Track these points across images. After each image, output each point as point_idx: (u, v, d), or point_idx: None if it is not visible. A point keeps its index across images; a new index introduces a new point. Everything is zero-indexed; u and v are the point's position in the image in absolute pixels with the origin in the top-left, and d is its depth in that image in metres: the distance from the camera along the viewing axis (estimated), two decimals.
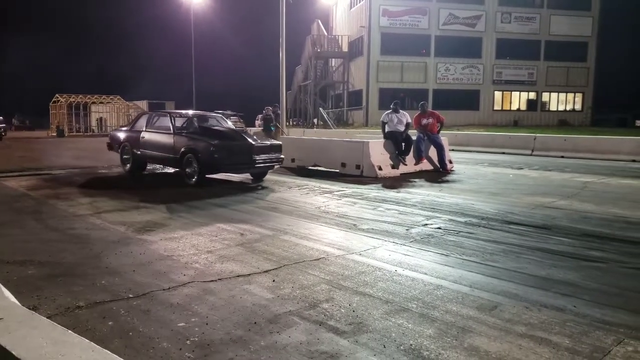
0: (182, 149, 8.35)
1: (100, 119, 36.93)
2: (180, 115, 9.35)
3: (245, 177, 9.38)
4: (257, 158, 8.31)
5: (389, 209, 6.37)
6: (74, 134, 32.96)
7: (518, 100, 38.05)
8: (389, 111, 10.66)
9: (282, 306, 3.06)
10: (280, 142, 9.09)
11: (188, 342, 2.57)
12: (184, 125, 9.01)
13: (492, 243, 4.64)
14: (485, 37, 36.15)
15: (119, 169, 11.09)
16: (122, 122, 33.78)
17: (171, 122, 8.96)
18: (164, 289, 3.35)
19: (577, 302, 3.16)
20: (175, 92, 40.16)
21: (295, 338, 2.63)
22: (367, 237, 4.89)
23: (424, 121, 10.88)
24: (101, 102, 35.05)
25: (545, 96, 38.36)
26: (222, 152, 7.94)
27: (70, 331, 1.86)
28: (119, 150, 10.29)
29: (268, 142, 8.95)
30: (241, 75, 60.13)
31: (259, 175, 9.12)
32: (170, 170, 10.33)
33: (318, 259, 4.08)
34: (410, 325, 2.81)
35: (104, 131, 35.27)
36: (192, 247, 4.45)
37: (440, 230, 5.16)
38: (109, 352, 1.70)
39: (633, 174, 10.32)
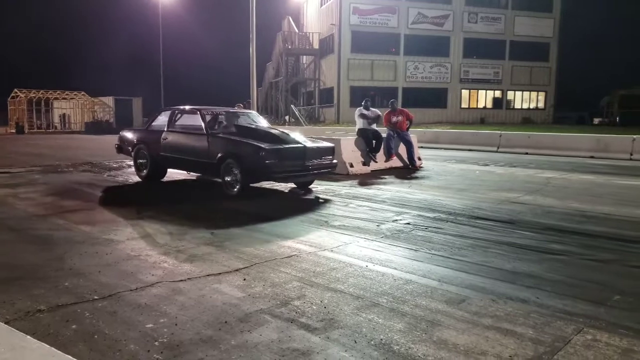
0: (220, 154, 7.02)
1: (64, 115, 35.73)
2: (212, 113, 8.06)
3: (287, 185, 8.05)
4: (310, 164, 7.07)
5: (360, 206, 6.42)
6: (35, 130, 31.80)
7: (484, 98, 38.97)
8: (360, 108, 10.78)
9: (253, 305, 3.04)
10: (333, 145, 7.84)
11: (157, 343, 2.52)
12: (219, 124, 7.81)
13: (460, 238, 4.74)
14: (452, 36, 36.82)
15: (85, 167, 10.78)
16: (87, 118, 32.82)
17: (203, 120, 7.61)
18: (131, 290, 3.27)
19: (541, 294, 3.27)
20: (142, 88, 39.15)
21: (267, 336, 2.62)
22: (339, 233, 4.91)
23: (394, 119, 11.02)
24: (64, 98, 33.90)
25: (510, 95, 39.41)
26: (273, 157, 6.62)
27: (29, 337, 1.80)
28: (133, 154, 8.81)
29: (321, 144, 7.61)
30: (211, 71, 59.41)
31: (305, 184, 7.85)
32: (189, 175, 9.22)
33: (290, 257, 4.07)
34: (380, 320, 2.84)
35: (67, 128, 34.19)
36: (161, 246, 4.36)
37: (409, 226, 5.23)
38: (70, 357, 1.65)
39: (591, 170, 10.74)
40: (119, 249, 4.27)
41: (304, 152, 7.05)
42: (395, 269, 3.79)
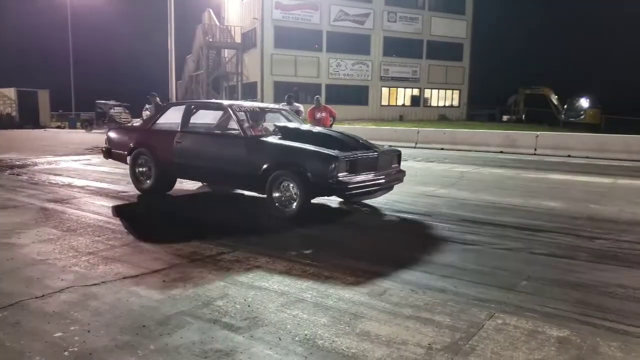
0: (266, 164, 5.41)
1: None
2: (246, 109, 6.32)
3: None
4: (383, 174, 5.71)
5: None
6: None
7: (403, 96, 40.57)
8: (283, 103, 10.76)
9: (174, 307, 2.92)
10: (400, 150, 6.46)
11: (66, 353, 2.34)
12: (254, 124, 6.19)
13: (380, 231, 4.88)
14: (373, 34, 37.86)
15: None
16: None
17: (236, 119, 5.93)
18: (36, 297, 3.01)
19: (457, 283, 3.45)
20: (48, 80, 36.04)
21: (188, 338, 2.52)
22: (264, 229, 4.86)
23: (318, 115, 11.14)
24: None
25: (427, 93, 41.36)
26: (347, 168, 5.24)
27: None
28: (129, 160, 6.87)
29: (390, 149, 6.26)
30: (126, 62, 56.10)
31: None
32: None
33: (212, 256, 3.96)
34: (305, 315, 2.85)
35: None
36: (71, 249, 4.05)
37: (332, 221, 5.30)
38: None
39: (501, 164, 11.59)
40: (22, 253, 3.91)
41: (377, 161, 5.68)
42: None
